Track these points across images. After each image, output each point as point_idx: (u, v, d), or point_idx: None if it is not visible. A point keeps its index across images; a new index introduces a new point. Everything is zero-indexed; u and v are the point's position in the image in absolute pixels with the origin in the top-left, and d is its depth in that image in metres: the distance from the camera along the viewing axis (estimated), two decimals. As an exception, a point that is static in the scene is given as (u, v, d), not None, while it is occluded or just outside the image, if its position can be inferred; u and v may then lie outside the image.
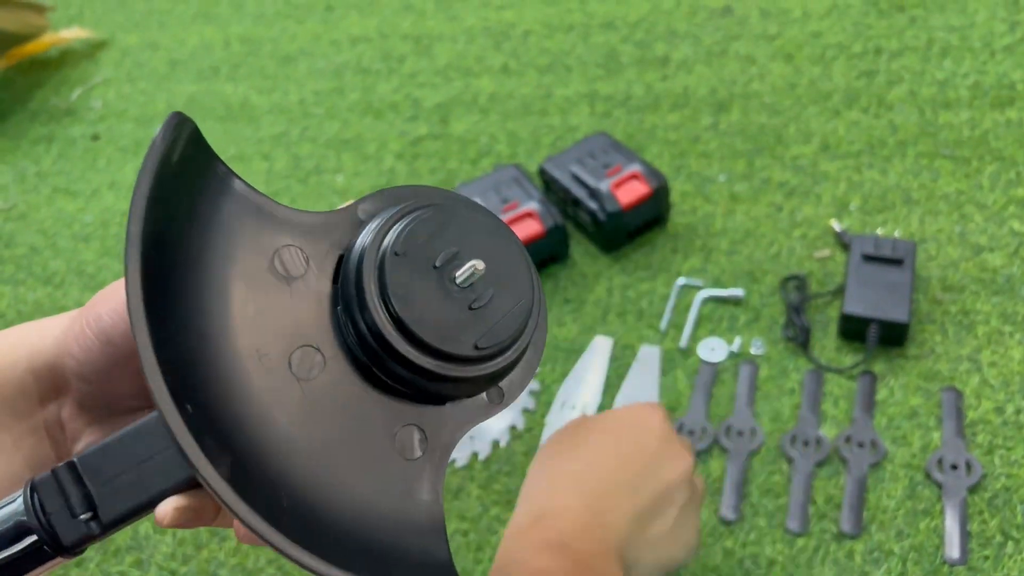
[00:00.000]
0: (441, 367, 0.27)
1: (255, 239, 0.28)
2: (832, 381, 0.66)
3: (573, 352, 0.72)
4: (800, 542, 0.58)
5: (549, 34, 1.04)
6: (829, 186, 0.79)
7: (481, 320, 0.27)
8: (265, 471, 0.25)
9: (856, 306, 0.65)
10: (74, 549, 0.28)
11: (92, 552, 0.68)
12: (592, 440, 0.48)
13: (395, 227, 0.28)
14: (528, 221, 0.74)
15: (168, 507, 0.27)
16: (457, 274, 0.27)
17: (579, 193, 0.76)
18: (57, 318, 0.33)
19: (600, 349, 0.71)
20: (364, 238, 0.28)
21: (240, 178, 0.29)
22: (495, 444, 0.67)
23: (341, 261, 0.29)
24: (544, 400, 0.69)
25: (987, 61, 0.85)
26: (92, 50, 1.24)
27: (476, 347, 0.27)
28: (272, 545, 0.24)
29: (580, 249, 0.79)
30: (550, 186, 0.80)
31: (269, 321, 0.27)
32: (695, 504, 0.48)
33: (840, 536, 0.58)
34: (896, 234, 0.73)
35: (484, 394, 0.29)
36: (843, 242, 0.73)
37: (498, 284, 0.28)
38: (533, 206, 0.75)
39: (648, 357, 0.70)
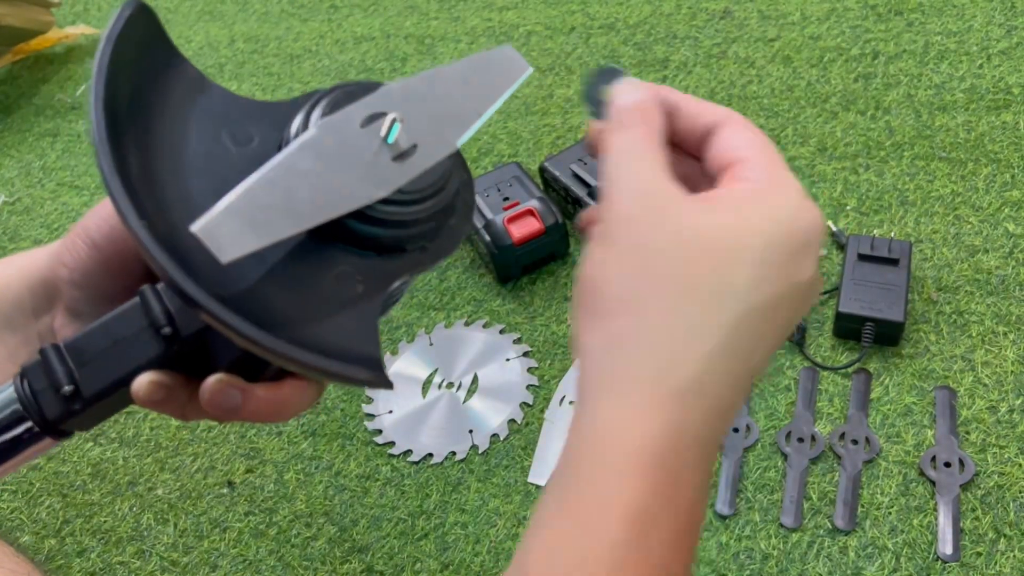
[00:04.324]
0: (370, 208, 0.30)
1: (206, 115, 0.31)
2: (827, 379, 0.66)
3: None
4: (794, 537, 0.59)
5: (550, 35, 1.05)
6: (826, 187, 0.79)
7: (404, 169, 0.30)
8: (212, 286, 0.27)
9: (852, 305, 0.66)
10: (59, 426, 0.31)
11: (94, 542, 0.69)
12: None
13: (325, 98, 0.31)
14: (528, 219, 0.75)
15: (143, 380, 0.30)
16: (381, 129, 0.30)
17: (579, 191, 0.77)
18: (49, 244, 0.36)
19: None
20: (301, 113, 0.31)
21: (193, 65, 0.33)
22: (494, 438, 0.68)
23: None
24: (543, 395, 0.70)
25: (983, 65, 0.86)
26: (97, 46, 1.25)
27: (400, 191, 0.30)
28: (216, 317, 0.26)
29: (580, 247, 0.80)
30: (550, 184, 0.81)
31: (218, 172, 0.30)
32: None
33: (834, 531, 0.59)
34: (892, 235, 0.74)
35: (415, 254, 0.32)
36: (839, 242, 0.74)
37: (423, 143, 0.31)
38: (533, 204, 0.76)
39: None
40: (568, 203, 0.79)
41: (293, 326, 0.28)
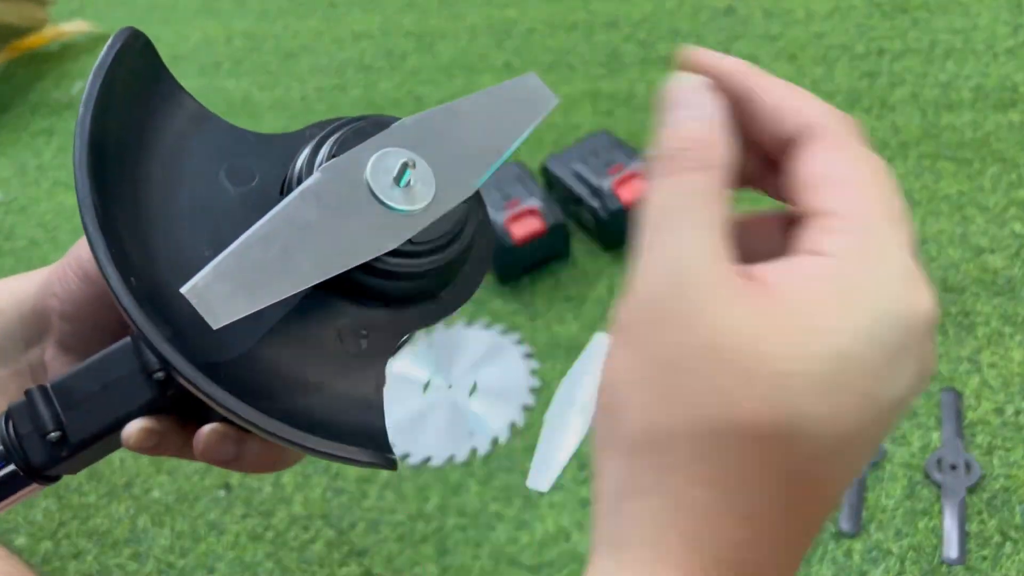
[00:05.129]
0: (378, 260, 0.27)
1: (204, 151, 0.30)
2: (832, 381, 0.66)
3: (574, 349, 0.72)
4: (799, 541, 0.58)
5: (552, 32, 1.04)
6: (831, 186, 0.79)
7: (416, 217, 0.28)
8: (204, 355, 0.25)
9: (857, 306, 0.66)
10: (45, 472, 0.29)
11: (90, 544, 0.68)
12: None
13: (331, 137, 0.29)
14: (530, 218, 0.74)
15: (134, 428, 0.28)
16: (392, 173, 0.28)
17: (581, 191, 0.76)
18: (40, 269, 0.34)
19: (601, 347, 0.71)
20: (306, 151, 0.29)
21: (191, 95, 0.31)
22: (495, 441, 0.67)
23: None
24: (544, 397, 0.69)
25: (990, 63, 0.86)
26: (94, 44, 1.24)
27: (411, 242, 0.28)
28: (209, 397, 0.24)
29: (582, 247, 0.79)
30: (552, 184, 0.80)
31: (214, 218, 0.28)
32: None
33: (839, 535, 0.58)
34: (897, 235, 0.73)
35: (425, 305, 0.30)
36: (844, 242, 0.73)
37: (438, 186, 0.29)
38: (535, 203, 0.75)
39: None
40: (570, 203, 0.79)
41: (288, 395, 0.26)
